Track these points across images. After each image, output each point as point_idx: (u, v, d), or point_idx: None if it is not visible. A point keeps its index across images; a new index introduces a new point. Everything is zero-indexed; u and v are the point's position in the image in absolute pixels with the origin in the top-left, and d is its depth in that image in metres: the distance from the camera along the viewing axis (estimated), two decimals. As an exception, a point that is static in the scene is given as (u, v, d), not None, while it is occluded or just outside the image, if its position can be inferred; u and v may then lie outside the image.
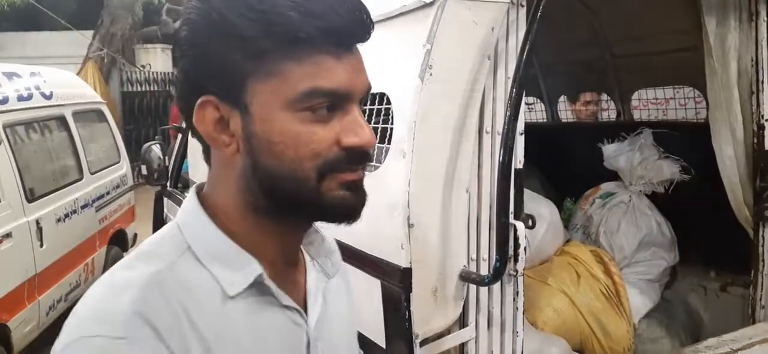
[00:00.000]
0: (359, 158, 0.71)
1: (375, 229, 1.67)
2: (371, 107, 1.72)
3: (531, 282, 2.59)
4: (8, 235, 3.68)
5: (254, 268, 0.72)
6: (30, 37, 11.57)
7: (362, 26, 0.70)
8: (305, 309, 0.80)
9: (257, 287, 0.73)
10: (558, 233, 2.74)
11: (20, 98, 4.29)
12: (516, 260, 1.76)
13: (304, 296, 0.81)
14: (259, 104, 0.69)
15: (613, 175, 3.00)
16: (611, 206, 2.88)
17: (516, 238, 1.76)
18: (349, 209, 0.73)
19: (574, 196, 3.27)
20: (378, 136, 1.71)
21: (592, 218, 2.94)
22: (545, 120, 3.92)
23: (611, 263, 2.65)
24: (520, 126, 1.80)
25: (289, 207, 0.73)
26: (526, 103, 4.64)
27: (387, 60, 1.71)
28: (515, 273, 1.77)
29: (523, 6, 1.71)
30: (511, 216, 1.79)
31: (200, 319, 0.68)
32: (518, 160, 1.80)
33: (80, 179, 4.85)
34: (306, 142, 0.68)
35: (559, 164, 3.47)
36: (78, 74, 8.57)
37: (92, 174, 5.06)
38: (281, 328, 0.76)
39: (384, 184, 1.61)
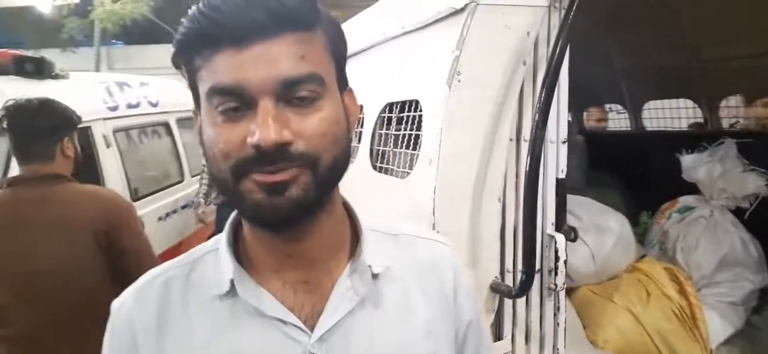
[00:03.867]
0: (265, 158, 0.66)
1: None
2: (405, 114, 1.73)
3: (594, 298, 2.47)
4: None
5: (229, 275, 0.75)
6: (150, 49, 12.61)
7: (258, 16, 0.65)
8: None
9: (236, 293, 0.74)
10: (629, 248, 2.59)
11: (129, 106, 4.69)
12: (556, 274, 1.69)
13: (321, 310, 0.76)
14: (201, 111, 0.71)
15: (694, 188, 2.78)
16: (689, 221, 2.68)
17: (556, 251, 1.70)
18: (264, 213, 0.68)
19: (652, 210, 3.07)
20: (411, 144, 1.72)
21: (669, 234, 2.74)
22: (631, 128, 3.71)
23: (687, 282, 2.46)
24: (563, 134, 1.74)
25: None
26: (610, 109, 4.43)
27: (420, 67, 1.71)
28: (554, 287, 1.70)
29: (564, 8, 1.64)
30: (553, 227, 1.74)
31: (196, 311, 0.76)
32: (560, 169, 1.74)
33: (181, 181, 5.20)
34: (217, 141, 0.68)
35: (641, 175, 3.27)
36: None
37: (193, 177, 5.41)
38: (269, 340, 0.74)
39: (412, 191, 1.61)
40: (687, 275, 2.52)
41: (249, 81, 0.65)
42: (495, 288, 1.60)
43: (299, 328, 0.74)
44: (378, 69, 2.04)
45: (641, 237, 2.97)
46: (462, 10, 1.56)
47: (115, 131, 4.31)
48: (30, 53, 4.17)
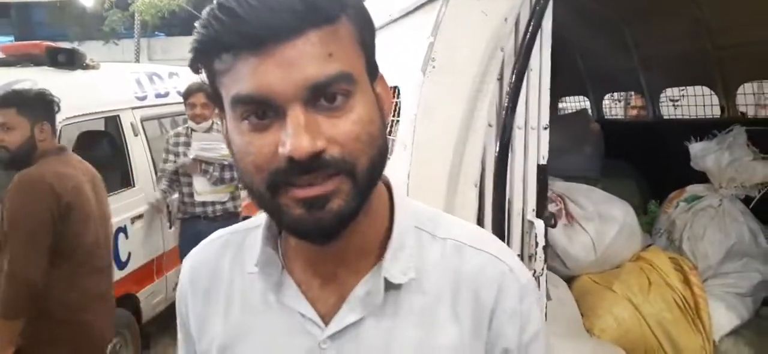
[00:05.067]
0: (300, 169, 0.61)
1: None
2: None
3: (593, 286, 2.46)
4: (140, 217, 4.17)
5: (256, 254, 0.74)
6: (188, 40, 12.84)
7: (277, 16, 0.60)
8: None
9: (266, 275, 0.75)
10: (633, 237, 2.56)
11: (157, 95, 4.84)
12: (533, 259, 1.70)
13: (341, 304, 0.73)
14: (227, 117, 0.68)
15: (704, 177, 2.72)
16: (697, 210, 2.62)
17: (536, 237, 1.71)
18: (307, 230, 0.65)
19: (661, 198, 3.01)
20: (392, 130, 1.74)
21: (676, 223, 2.69)
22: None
23: (692, 272, 2.42)
24: (545, 120, 1.73)
25: None
26: (615, 98, 4.33)
27: (400, 54, 1.74)
28: (533, 272, 1.71)
29: (544, -6, 1.63)
30: (533, 213, 1.74)
31: (236, 280, 0.79)
32: (542, 155, 1.74)
33: None
34: (245, 153, 0.64)
35: (659, 164, 3.21)
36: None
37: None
38: (286, 326, 0.74)
39: (390, 176, 1.64)
40: (692, 265, 2.47)
41: (274, 89, 0.60)
42: (470, 272, 1.61)
43: (315, 322, 0.73)
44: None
45: (649, 226, 2.92)
46: (438, -4, 1.58)
47: (144, 120, 4.45)
48: (74, 45, 4.36)
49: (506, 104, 1.46)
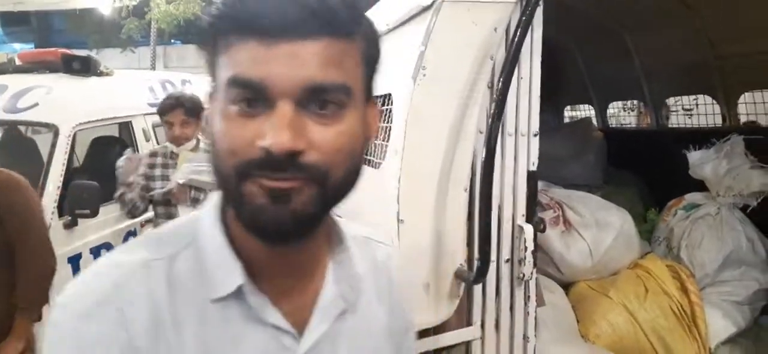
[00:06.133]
0: (274, 165, 0.61)
1: (375, 223, 1.75)
2: (382, 108, 1.81)
3: (590, 293, 2.48)
4: (149, 221, 4.26)
5: (236, 278, 0.68)
6: (205, 49, 13.04)
7: (297, 11, 0.60)
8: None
9: (239, 297, 0.68)
10: (631, 245, 2.58)
11: (168, 101, 4.94)
12: (523, 263, 1.73)
13: (309, 317, 0.73)
14: (217, 98, 0.67)
15: (703, 186, 2.73)
16: (695, 218, 2.63)
17: (525, 241, 1.74)
18: (265, 223, 0.63)
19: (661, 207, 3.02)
20: (387, 136, 1.79)
21: (674, 231, 2.70)
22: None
23: (689, 280, 2.43)
24: (535, 126, 1.77)
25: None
26: (627, 107, 4.33)
27: (394, 62, 1.78)
28: (522, 276, 1.74)
29: (539, 4, 1.67)
30: (523, 218, 1.78)
31: (183, 315, 0.67)
32: (532, 161, 1.78)
33: None
34: (225, 135, 0.63)
35: (662, 173, 3.22)
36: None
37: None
38: (263, 347, 0.70)
39: (381, 180, 1.69)
40: (689, 273, 2.48)
41: (273, 79, 0.61)
42: (458, 275, 1.65)
43: (292, 336, 0.71)
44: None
45: (649, 234, 2.93)
46: (430, 6, 1.63)
47: (155, 126, 4.54)
48: (92, 52, 4.44)
49: (492, 111, 1.50)
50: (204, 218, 0.72)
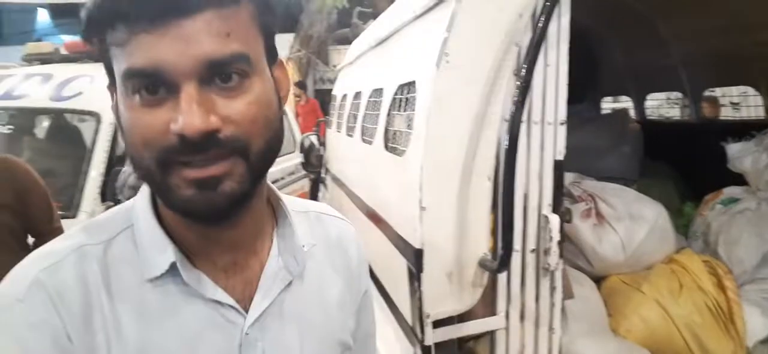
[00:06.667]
0: (192, 148, 0.60)
1: (399, 210, 1.76)
2: (403, 96, 1.81)
3: (622, 287, 2.43)
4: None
5: (168, 256, 0.68)
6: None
7: None
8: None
9: (175, 275, 0.68)
10: (665, 239, 2.51)
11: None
12: (548, 254, 1.71)
13: (254, 291, 0.74)
14: (117, 92, 0.65)
15: (742, 179, 2.63)
16: (734, 213, 2.54)
17: (550, 231, 1.72)
18: (198, 210, 0.64)
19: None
20: (411, 124, 1.79)
21: (712, 226, 2.62)
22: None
23: (726, 277, 2.36)
24: (562, 115, 1.74)
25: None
26: (671, 101, 4.21)
27: (419, 50, 1.78)
28: (548, 266, 1.72)
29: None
30: (549, 208, 1.75)
31: (120, 298, 0.67)
32: (558, 150, 1.75)
33: (293, 152, 5.50)
34: (134, 127, 0.62)
35: (700, 166, 3.12)
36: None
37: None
38: (206, 323, 0.70)
39: (406, 168, 1.69)
40: (727, 269, 2.41)
41: (168, 63, 0.59)
42: (482, 264, 1.64)
43: (236, 309, 0.71)
44: (395, 53, 2.12)
45: (685, 228, 2.85)
46: (454, -7, 1.61)
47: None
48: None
49: (515, 98, 1.48)
50: (138, 202, 0.73)
